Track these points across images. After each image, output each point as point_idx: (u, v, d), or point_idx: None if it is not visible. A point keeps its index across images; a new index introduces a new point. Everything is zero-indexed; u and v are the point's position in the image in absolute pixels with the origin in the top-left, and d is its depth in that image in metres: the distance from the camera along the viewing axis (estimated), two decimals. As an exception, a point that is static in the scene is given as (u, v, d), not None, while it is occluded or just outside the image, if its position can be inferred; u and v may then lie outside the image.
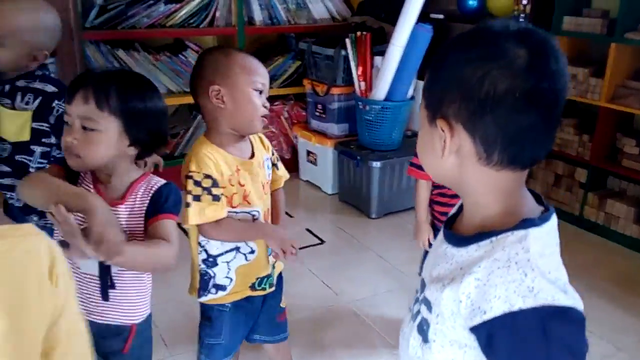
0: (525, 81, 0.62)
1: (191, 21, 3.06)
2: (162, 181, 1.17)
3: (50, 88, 1.49)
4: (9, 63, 1.47)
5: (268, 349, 1.58)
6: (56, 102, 1.48)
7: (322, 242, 2.64)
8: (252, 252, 1.37)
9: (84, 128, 1.05)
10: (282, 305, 1.53)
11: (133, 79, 1.13)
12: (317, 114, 3.19)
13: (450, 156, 0.69)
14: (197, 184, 1.26)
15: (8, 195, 1.57)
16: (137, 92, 1.10)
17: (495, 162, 0.66)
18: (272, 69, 3.35)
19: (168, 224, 1.11)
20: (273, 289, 1.45)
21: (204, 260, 1.37)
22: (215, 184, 1.27)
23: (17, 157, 1.52)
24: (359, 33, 2.89)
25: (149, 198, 1.13)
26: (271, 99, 3.32)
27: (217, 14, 3.10)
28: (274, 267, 1.44)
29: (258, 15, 3.23)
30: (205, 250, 1.36)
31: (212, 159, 1.28)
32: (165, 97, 3.01)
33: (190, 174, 1.27)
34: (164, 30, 3.00)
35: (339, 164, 3.04)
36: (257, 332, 1.50)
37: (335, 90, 3.02)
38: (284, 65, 3.39)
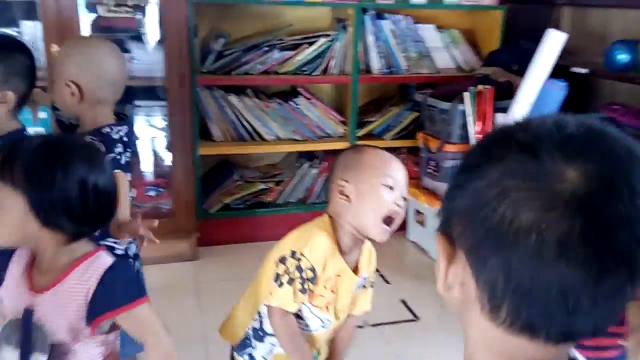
0: (564, 220, 0.38)
1: (304, 69, 2.99)
2: (107, 264, 0.98)
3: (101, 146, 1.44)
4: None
5: None
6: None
7: (416, 318, 2.34)
8: None
9: None
10: None
11: (54, 147, 0.95)
12: (429, 171, 2.93)
13: (454, 288, 0.48)
14: (299, 269, 1.16)
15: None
16: (52, 163, 0.92)
17: (502, 319, 0.44)
18: (386, 119, 3.17)
19: (136, 320, 0.96)
20: None
21: (254, 329, 1.28)
22: (313, 280, 1.17)
23: None
24: (480, 87, 2.61)
25: (94, 285, 0.96)
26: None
27: (332, 62, 3.01)
28: None
29: (376, 64, 3.08)
30: (261, 322, 1.27)
31: (324, 254, 1.17)
32: (274, 143, 2.96)
33: (299, 256, 1.16)
34: (277, 78, 2.96)
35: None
36: None
37: (449, 147, 2.75)
38: (400, 116, 3.19)
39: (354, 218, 1.18)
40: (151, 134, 2.97)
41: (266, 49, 2.90)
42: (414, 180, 3.09)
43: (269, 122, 3.00)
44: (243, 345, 1.31)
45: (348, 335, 1.35)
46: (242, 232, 3.03)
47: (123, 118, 1.56)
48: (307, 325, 1.25)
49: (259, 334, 1.28)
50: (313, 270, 1.16)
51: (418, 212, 3.03)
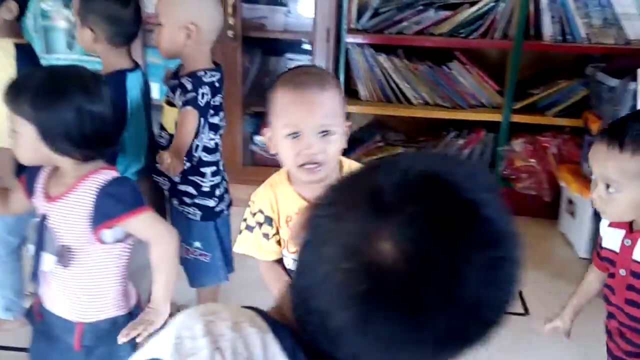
0: None
1: (461, 31, 2.79)
2: (111, 176, 1.10)
3: (190, 85, 1.54)
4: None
5: None
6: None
7: (526, 312, 2.12)
8: None
9: (12, 129, 1.07)
10: None
11: (56, 81, 1.06)
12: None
13: None
14: (252, 215, 1.18)
15: (160, 180, 1.70)
16: (53, 97, 1.02)
17: None
18: (552, 93, 2.82)
19: (139, 225, 1.08)
20: None
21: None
22: (269, 222, 1.16)
23: None
24: (663, 63, 2.17)
25: (93, 197, 1.08)
26: (542, 129, 2.83)
27: (495, 25, 2.75)
28: None
29: (548, 29, 2.74)
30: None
31: (272, 193, 1.16)
32: (420, 108, 2.86)
33: (250, 203, 1.18)
34: (429, 39, 2.81)
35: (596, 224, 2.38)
36: None
37: (612, 132, 2.35)
38: (571, 92, 2.80)
39: (283, 163, 1.13)
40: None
41: (420, 7, 2.77)
42: (573, 165, 2.74)
43: (418, 86, 2.89)
44: None
45: None
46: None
47: (219, 65, 1.66)
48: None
49: None
50: (262, 212, 1.16)
51: (569, 202, 2.68)
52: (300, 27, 2.74)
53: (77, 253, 1.12)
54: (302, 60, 2.78)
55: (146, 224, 1.11)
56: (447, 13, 2.77)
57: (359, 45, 2.85)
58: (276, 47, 2.87)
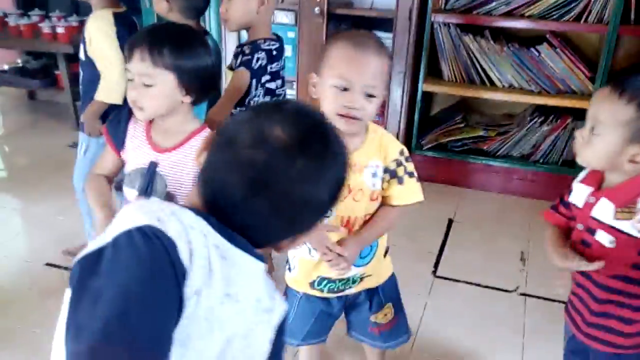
0: None
1: (554, 13, 2.69)
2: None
3: (248, 50, 1.71)
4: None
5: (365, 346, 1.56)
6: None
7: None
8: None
9: (144, 84, 1.21)
10: (376, 320, 1.43)
11: (184, 35, 1.25)
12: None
13: None
14: None
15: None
16: (188, 48, 1.21)
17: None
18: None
19: None
20: (335, 295, 1.38)
21: None
22: None
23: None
24: None
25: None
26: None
27: (591, 7, 2.62)
28: (356, 279, 1.35)
29: (651, 14, 2.56)
30: None
31: None
32: (505, 91, 2.82)
33: None
34: (517, 20, 2.74)
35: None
36: (352, 329, 1.50)
37: None
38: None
39: (322, 108, 1.21)
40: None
41: (511, -13, 2.71)
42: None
43: (503, 68, 2.84)
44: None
45: (383, 221, 1.31)
46: (451, 174, 3.03)
47: (280, 38, 1.81)
48: None
49: None
50: None
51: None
52: (386, 5, 2.80)
53: (179, 200, 1.29)
54: (388, 38, 2.84)
55: None
56: (539, -6, 2.69)
57: (445, 24, 2.86)
58: (363, 24, 2.95)
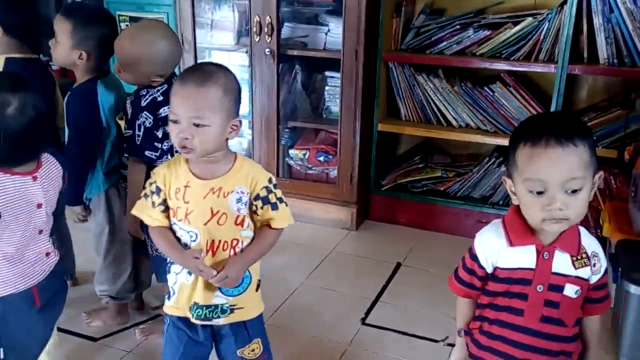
0: None
1: (504, 52, 2.64)
2: None
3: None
4: (132, 83, 1.78)
5: None
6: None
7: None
8: (190, 272, 1.37)
9: None
10: (242, 354, 1.43)
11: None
12: (632, 192, 2.25)
13: None
14: (149, 184, 1.37)
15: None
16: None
17: None
18: (606, 124, 2.54)
19: None
20: (207, 323, 1.39)
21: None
22: (158, 192, 1.34)
23: None
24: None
25: None
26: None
27: (542, 45, 2.56)
28: (226, 309, 1.37)
29: (602, 52, 2.48)
30: None
31: (167, 169, 1.34)
32: (461, 131, 2.77)
33: (152, 172, 1.40)
34: (466, 59, 2.70)
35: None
36: None
37: (646, 167, 2.06)
38: (626, 123, 2.50)
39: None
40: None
41: (458, 27, 2.68)
42: (621, 204, 2.43)
43: (458, 108, 2.79)
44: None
45: (264, 241, 1.38)
46: (410, 216, 2.95)
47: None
48: (184, 245, 1.35)
49: (170, 264, 1.43)
50: (155, 182, 1.34)
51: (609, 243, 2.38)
52: (338, 45, 2.79)
53: None
54: (337, 77, 2.82)
55: None
56: (488, 33, 2.64)
57: (400, 64, 2.83)
58: (314, 65, 2.96)
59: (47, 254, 1.40)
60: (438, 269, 2.55)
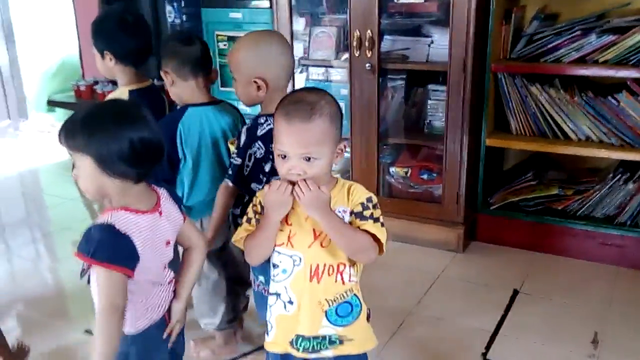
0: None
1: (632, 58, 2.38)
2: (99, 221, 1.18)
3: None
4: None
5: None
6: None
7: None
8: (291, 302, 1.30)
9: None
10: None
11: (99, 113, 1.18)
12: None
13: None
14: (252, 206, 1.35)
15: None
16: (99, 129, 1.14)
17: None
18: None
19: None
20: (314, 356, 1.31)
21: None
22: (261, 211, 1.32)
23: None
24: None
25: None
26: None
27: (678, 49, 2.29)
28: (334, 340, 1.30)
29: None
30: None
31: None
32: (580, 145, 2.54)
33: (257, 195, 1.37)
34: (590, 67, 2.46)
35: None
36: None
37: None
38: None
39: None
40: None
41: (579, 32, 2.45)
42: None
43: (578, 120, 2.55)
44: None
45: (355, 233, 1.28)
46: (522, 237, 2.73)
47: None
48: (283, 271, 1.29)
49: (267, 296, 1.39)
50: (260, 203, 1.32)
51: None
52: (443, 57, 2.64)
53: None
54: (443, 90, 2.67)
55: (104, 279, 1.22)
56: (613, 38, 2.40)
57: (511, 75, 2.64)
58: (417, 78, 2.82)
59: (170, 282, 1.35)
60: (563, 297, 2.33)
